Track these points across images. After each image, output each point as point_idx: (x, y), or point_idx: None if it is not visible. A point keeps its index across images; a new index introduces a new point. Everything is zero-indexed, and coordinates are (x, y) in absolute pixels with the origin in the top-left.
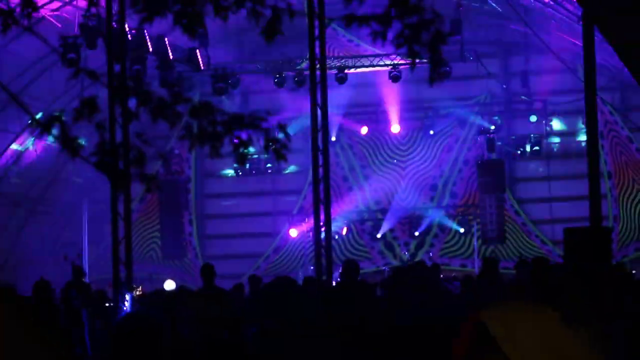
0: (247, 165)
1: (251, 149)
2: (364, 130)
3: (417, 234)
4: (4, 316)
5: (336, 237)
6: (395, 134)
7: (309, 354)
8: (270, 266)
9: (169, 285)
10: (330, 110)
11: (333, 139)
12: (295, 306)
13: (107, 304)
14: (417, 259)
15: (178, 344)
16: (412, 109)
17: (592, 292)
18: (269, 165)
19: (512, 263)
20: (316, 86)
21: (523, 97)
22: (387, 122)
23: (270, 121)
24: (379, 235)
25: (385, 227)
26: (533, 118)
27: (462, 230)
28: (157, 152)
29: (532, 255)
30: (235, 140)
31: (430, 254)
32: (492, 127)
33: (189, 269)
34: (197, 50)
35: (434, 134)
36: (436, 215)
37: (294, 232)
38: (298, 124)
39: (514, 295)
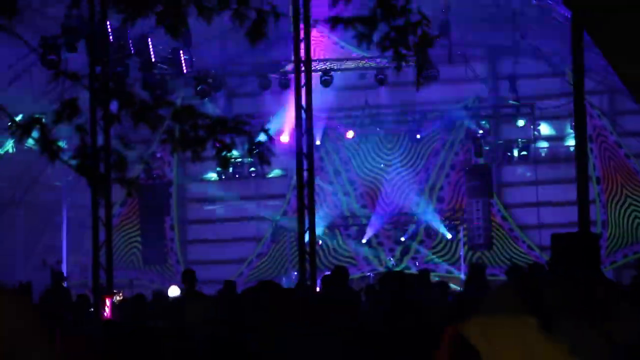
0: (230, 169)
1: (234, 153)
2: (350, 134)
3: (403, 239)
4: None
5: (320, 242)
6: (380, 138)
7: (311, 352)
8: (253, 272)
9: (174, 291)
10: (315, 113)
11: (318, 142)
12: (281, 309)
13: (89, 309)
14: (403, 265)
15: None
16: (398, 113)
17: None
18: (252, 169)
19: (499, 269)
20: (301, 89)
21: (511, 101)
22: (372, 126)
23: (255, 124)
24: (364, 241)
25: (370, 233)
26: (521, 122)
27: (449, 235)
28: (139, 155)
29: (519, 261)
30: (218, 144)
31: (417, 262)
32: (480, 132)
33: (171, 275)
34: (180, 52)
35: (421, 137)
36: (422, 221)
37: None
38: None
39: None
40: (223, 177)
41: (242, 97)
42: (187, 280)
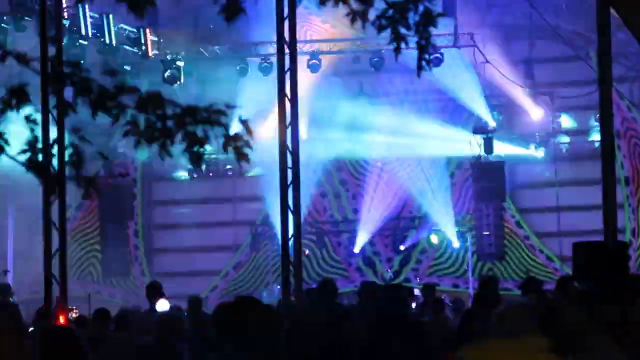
0: (204, 167)
1: (208, 148)
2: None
3: (402, 248)
4: None
5: (306, 252)
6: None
7: None
8: (229, 285)
9: (162, 306)
10: (301, 102)
11: (304, 136)
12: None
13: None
14: (402, 277)
15: None
16: (396, 102)
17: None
18: (228, 166)
19: (513, 283)
20: (284, 74)
21: (527, 88)
22: (363, 121)
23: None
24: (357, 250)
25: (364, 240)
26: (538, 113)
27: (455, 244)
28: (98, 150)
29: (536, 274)
30: (189, 138)
31: (418, 274)
32: (491, 124)
33: (134, 288)
34: (146, 32)
35: (422, 130)
36: (424, 227)
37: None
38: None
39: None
40: (195, 175)
41: (216, 84)
42: (153, 296)
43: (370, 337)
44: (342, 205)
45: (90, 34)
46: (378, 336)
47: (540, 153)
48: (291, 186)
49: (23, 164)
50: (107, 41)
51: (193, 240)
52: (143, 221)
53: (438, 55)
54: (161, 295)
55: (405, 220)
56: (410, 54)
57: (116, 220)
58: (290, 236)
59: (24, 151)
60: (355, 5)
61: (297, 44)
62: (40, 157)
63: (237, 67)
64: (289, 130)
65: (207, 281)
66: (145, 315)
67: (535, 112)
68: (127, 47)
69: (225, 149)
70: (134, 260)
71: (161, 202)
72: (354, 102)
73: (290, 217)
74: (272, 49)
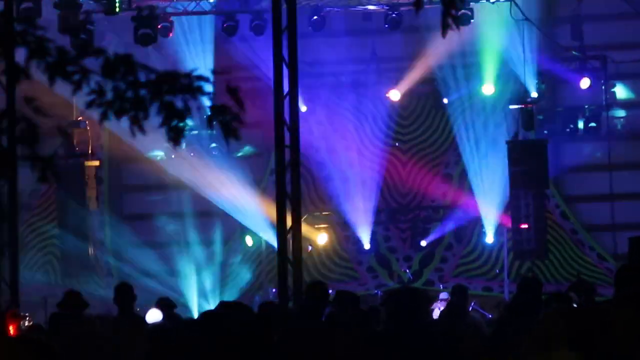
0: (184, 145)
1: (189, 122)
2: (353, 97)
3: (423, 243)
4: None
5: (309, 248)
6: (394, 102)
7: None
8: (216, 286)
9: (153, 316)
10: (301, 68)
11: (304, 109)
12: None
13: None
14: (423, 279)
15: None
16: (418, 68)
17: None
18: (214, 145)
19: (557, 286)
20: (281, 34)
21: (574, 52)
22: (382, 86)
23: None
24: (367, 246)
25: (377, 235)
26: (586, 82)
27: (488, 239)
28: (56, 125)
29: (585, 275)
30: (166, 110)
31: (443, 275)
32: (531, 95)
33: (99, 290)
34: None
35: (449, 102)
36: (450, 219)
37: (249, 240)
38: None
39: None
40: (173, 156)
41: (200, 45)
42: (122, 299)
43: None
44: (351, 190)
45: None
46: None
47: (590, 130)
48: (289, 168)
49: None
50: None
51: (170, 233)
52: (111, 210)
53: (467, 11)
54: (131, 298)
55: (427, 211)
56: (432, 9)
57: (78, 209)
58: (288, 229)
59: None
60: None
61: None
62: None
63: (224, 25)
64: (286, 101)
65: (189, 281)
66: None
67: (584, 81)
68: (91, 1)
69: (210, 123)
70: (99, 258)
71: (133, 187)
72: (364, 67)
73: (288, 205)
74: (266, 3)
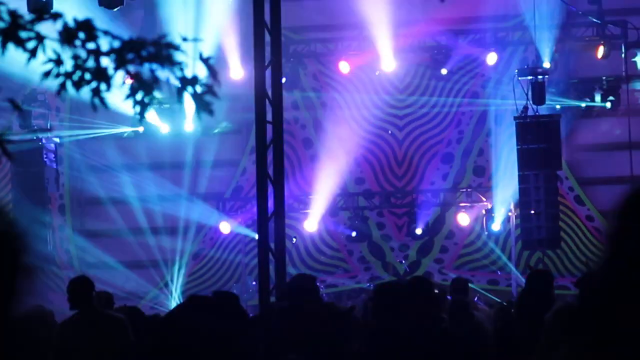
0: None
1: (157, 95)
2: (344, 67)
3: (418, 231)
4: None
5: (294, 240)
6: (388, 73)
7: None
8: (189, 280)
9: None
10: (285, 34)
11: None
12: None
13: None
14: (421, 270)
15: None
16: (415, 35)
17: None
18: (186, 120)
19: (572, 279)
20: None
21: (591, 17)
22: (375, 55)
23: (189, 50)
24: (353, 234)
25: (369, 220)
26: (605, 51)
27: (494, 227)
28: (8, 98)
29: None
30: (133, 80)
31: (443, 266)
32: (542, 65)
33: (57, 283)
34: None
35: (448, 73)
36: (451, 203)
37: (225, 227)
38: None
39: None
40: (141, 131)
41: (170, 9)
42: (78, 294)
43: None
44: (341, 172)
45: None
46: None
47: (608, 104)
48: (271, 147)
49: None
50: None
51: (139, 220)
52: (71, 194)
53: None
54: (89, 294)
55: (425, 194)
56: None
57: (34, 193)
58: (270, 214)
59: None
60: None
61: None
62: None
63: None
64: (268, 72)
65: (158, 275)
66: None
67: (601, 50)
68: None
69: (180, 96)
70: (58, 247)
71: (96, 168)
72: (356, 33)
73: (270, 188)
74: None
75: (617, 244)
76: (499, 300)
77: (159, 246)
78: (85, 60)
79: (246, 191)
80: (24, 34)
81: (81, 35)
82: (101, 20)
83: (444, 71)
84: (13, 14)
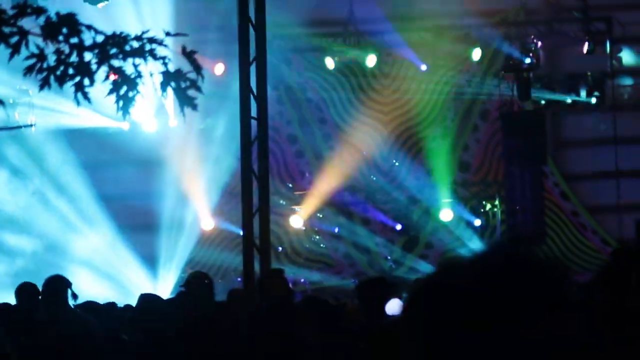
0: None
1: (141, 89)
2: (329, 63)
3: (399, 227)
4: None
5: (280, 249)
6: (371, 68)
7: None
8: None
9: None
10: (269, 29)
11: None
12: None
13: None
14: (407, 266)
15: None
16: (400, 31)
17: None
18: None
19: None
20: None
21: (576, 12)
22: (360, 51)
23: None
24: (336, 230)
25: (356, 217)
26: (589, 47)
27: (476, 222)
28: None
29: (587, 262)
30: (116, 75)
31: (429, 261)
32: (527, 60)
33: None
34: None
35: (432, 68)
36: (436, 199)
37: (208, 224)
38: None
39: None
40: (125, 129)
41: (152, 3)
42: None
43: None
44: (326, 167)
45: None
46: None
47: (593, 99)
48: (256, 143)
49: None
50: None
51: (117, 217)
52: None
53: None
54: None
55: (409, 190)
56: None
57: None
58: (254, 210)
59: None
60: None
61: None
62: None
63: None
64: (253, 67)
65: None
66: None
67: (586, 45)
68: None
69: (163, 90)
70: None
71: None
72: (339, 29)
73: (255, 183)
74: None
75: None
76: None
77: (143, 241)
78: (68, 55)
79: (231, 187)
80: (6, 29)
81: (64, 30)
82: (84, 15)
83: (423, 67)
84: None
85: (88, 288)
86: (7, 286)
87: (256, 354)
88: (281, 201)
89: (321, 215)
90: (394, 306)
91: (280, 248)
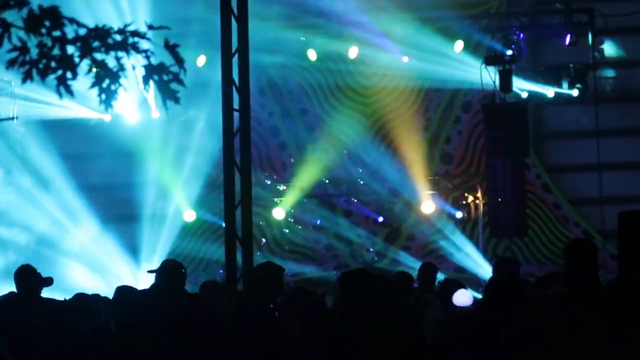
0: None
1: (123, 82)
2: (311, 55)
3: (381, 220)
4: None
5: (263, 242)
6: (355, 61)
7: None
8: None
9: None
10: (251, 21)
11: None
12: None
13: None
14: (389, 257)
15: None
16: (382, 23)
17: None
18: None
19: (539, 267)
20: None
21: (557, 4)
22: (343, 43)
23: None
24: (318, 222)
25: (338, 208)
26: (571, 39)
27: (458, 214)
28: None
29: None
30: (98, 68)
31: (410, 252)
32: (509, 52)
33: None
34: None
35: (415, 60)
36: (417, 191)
37: (190, 215)
38: None
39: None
40: (107, 121)
41: None
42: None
43: None
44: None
45: None
46: None
47: (575, 92)
48: (238, 134)
49: None
50: None
51: (101, 208)
52: None
53: None
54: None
55: (391, 183)
56: None
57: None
58: (237, 202)
59: None
60: None
61: None
62: None
63: None
64: (235, 59)
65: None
66: None
67: (568, 37)
68: None
69: (145, 84)
70: None
71: (64, 156)
72: (323, 21)
73: (237, 175)
74: None
75: None
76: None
77: (126, 231)
78: (50, 48)
79: (212, 178)
80: None
81: (47, 22)
82: (67, 8)
83: (405, 59)
84: None
85: (79, 280)
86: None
87: (244, 352)
88: (263, 193)
89: (303, 207)
90: (462, 297)
91: (263, 240)
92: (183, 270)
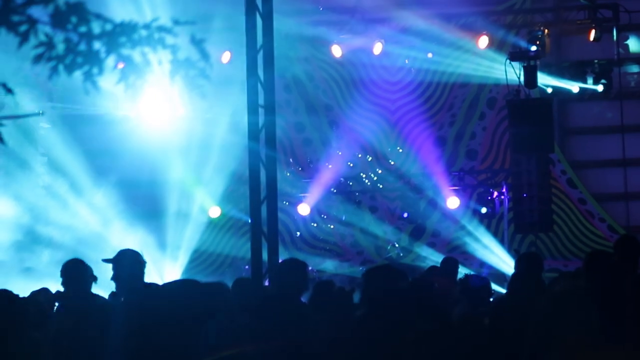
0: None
1: (148, 79)
2: (336, 51)
3: (405, 215)
4: None
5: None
6: (380, 57)
7: None
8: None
9: None
10: (276, 17)
11: None
12: None
13: None
14: (413, 254)
15: None
16: (407, 19)
17: None
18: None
19: (564, 262)
20: None
21: (582, 0)
22: (368, 39)
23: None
24: (343, 217)
25: (363, 204)
26: (596, 34)
27: (483, 210)
28: (1, 83)
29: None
30: (124, 64)
31: (435, 248)
32: (533, 48)
33: None
34: None
35: (440, 56)
36: (443, 187)
37: (215, 211)
38: None
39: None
40: (132, 117)
41: None
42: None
43: None
44: (333, 157)
45: None
46: None
47: (600, 87)
48: (263, 131)
49: None
50: None
51: (130, 205)
52: None
53: None
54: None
55: (417, 178)
56: None
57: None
58: (262, 198)
59: None
60: None
61: None
62: None
63: None
64: (260, 56)
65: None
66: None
67: (593, 33)
68: None
69: (172, 78)
70: None
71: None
72: (347, 16)
73: (262, 171)
74: None
75: None
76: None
77: (147, 228)
78: (77, 44)
79: (238, 174)
80: (15, 18)
81: (73, 18)
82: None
83: (430, 55)
84: None
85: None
86: (43, 275)
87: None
88: (288, 189)
89: (328, 203)
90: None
91: (288, 235)
92: (141, 260)
